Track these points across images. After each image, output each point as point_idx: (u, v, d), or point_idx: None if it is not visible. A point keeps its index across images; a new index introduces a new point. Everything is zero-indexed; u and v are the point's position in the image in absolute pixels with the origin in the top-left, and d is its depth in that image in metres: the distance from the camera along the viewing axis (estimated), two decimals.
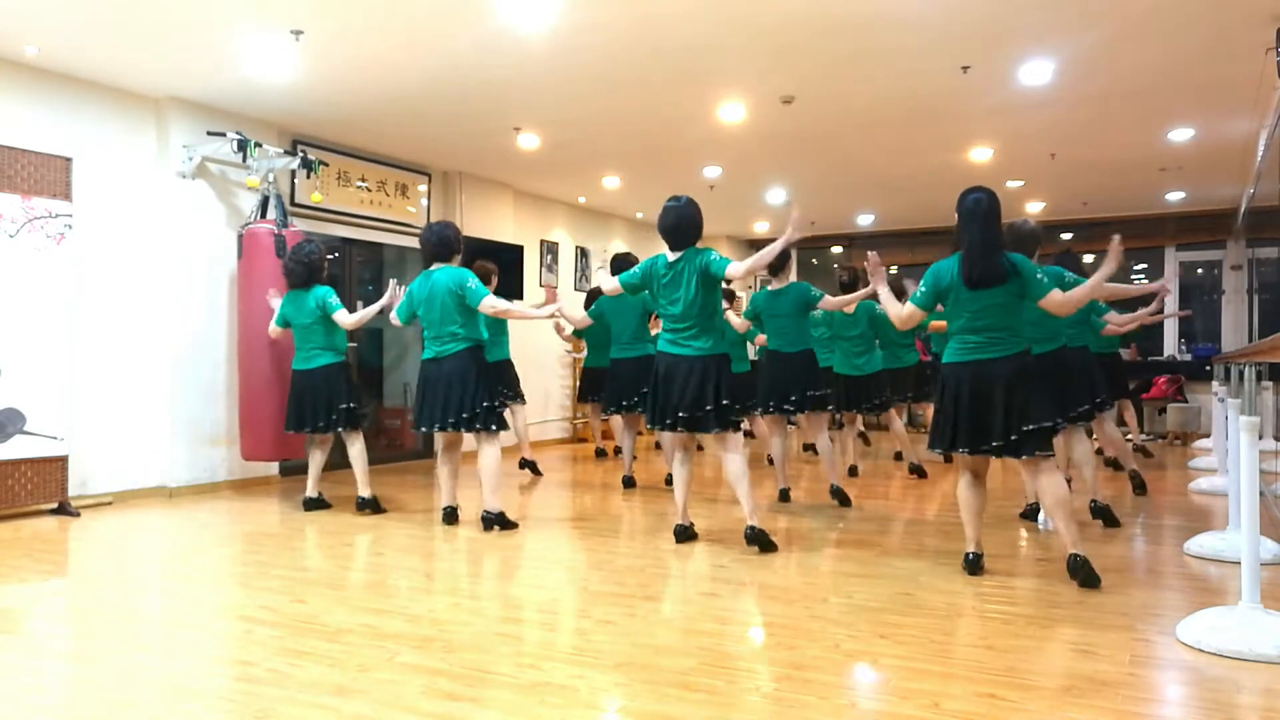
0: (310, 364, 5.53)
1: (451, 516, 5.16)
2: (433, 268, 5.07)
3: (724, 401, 4.42)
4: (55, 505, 5.46)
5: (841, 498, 5.70)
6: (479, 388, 4.96)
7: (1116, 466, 7.07)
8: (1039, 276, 3.88)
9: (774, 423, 5.83)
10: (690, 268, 4.45)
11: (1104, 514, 5.01)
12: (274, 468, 6.85)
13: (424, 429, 5.05)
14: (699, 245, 4.53)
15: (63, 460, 5.46)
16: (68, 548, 4.69)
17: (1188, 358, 10.73)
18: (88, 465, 5.78)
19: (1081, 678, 2.67)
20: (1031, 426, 3.75)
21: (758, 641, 3.09)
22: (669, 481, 6.43)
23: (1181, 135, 7.22)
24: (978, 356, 3.85)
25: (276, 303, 5.70)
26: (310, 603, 3.54)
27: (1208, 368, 9.16)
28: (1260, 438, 3.33)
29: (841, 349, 6.74)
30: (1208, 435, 9.17)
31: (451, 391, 4.96)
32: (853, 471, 7.03)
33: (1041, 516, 5.02)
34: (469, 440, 5.36)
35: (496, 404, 5.07)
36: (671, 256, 4.52)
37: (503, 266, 8.90)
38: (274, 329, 5.72)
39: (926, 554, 4.36)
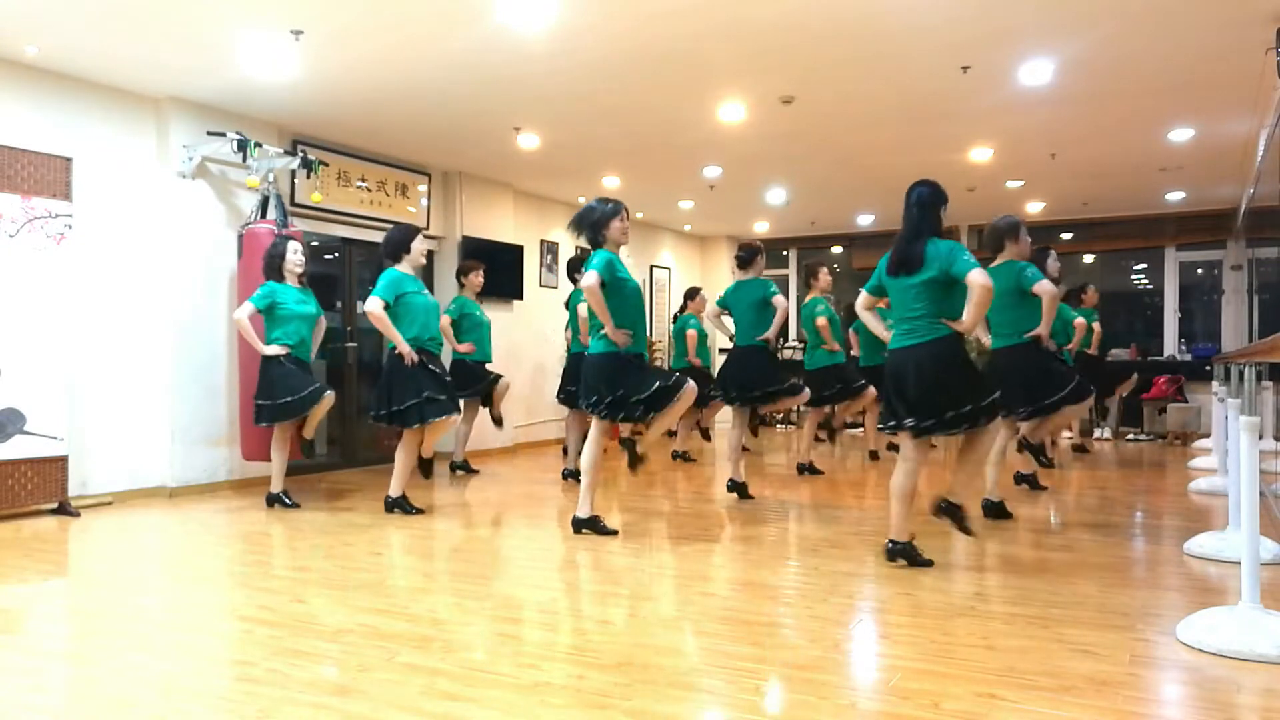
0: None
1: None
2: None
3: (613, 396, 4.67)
4: (55, 505, 5.46)
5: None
6: (395, 387, 5.35)
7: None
8: (964, 257, 3.91)
9: (735, 413, 6.19)
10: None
11: (997, 509, 5.16)
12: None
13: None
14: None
15: (63, 460, 5.46)
16: (68, 548, 4.69)
17: (1188, 358, 10.72)
18: (88, 465, 5.78)
19: (1081, 678, 2.67)
20: (951, 413, 3.91)
21: (758, 641, 3.09)
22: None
23: (1181, 135, 7.21)
24: (901, 344, 4.04)
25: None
26: (310, 603, 3.54)
27: (1208, 368, 9.16)
28: (1260, 438, 3.33)
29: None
30: (1208, 435, 9.17)
31: (381, 387, 5.49)
32: (810, 469, 7.15)
33: None
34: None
35: (413, 403, 5.33)
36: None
37: (503, 266, 8.94)
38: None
39: (926, 554, 4.36)
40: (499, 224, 9.08)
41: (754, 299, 5.94)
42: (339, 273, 7.94)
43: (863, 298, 4.36)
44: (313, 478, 7.11)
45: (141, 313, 6.17)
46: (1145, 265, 11.54)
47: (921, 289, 3.96)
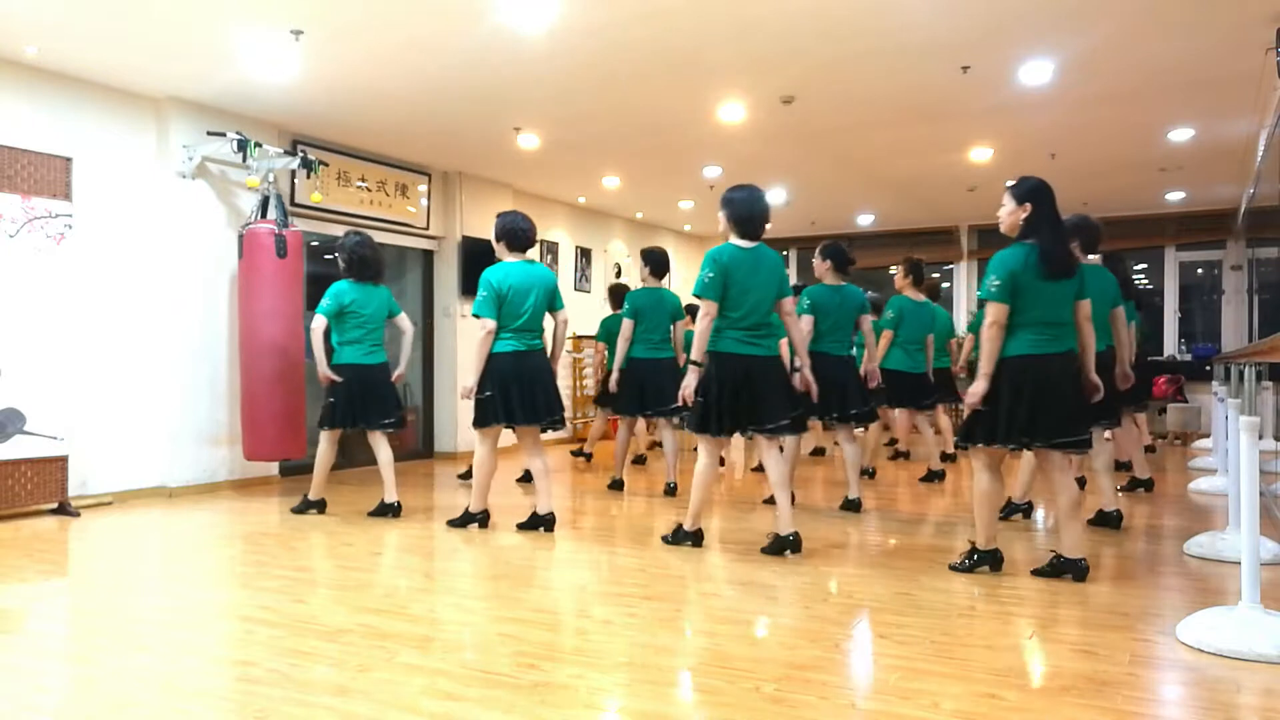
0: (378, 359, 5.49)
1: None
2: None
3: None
4: (55, 505, 5.46)
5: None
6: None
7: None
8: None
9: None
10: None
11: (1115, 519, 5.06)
12: (274, 468, 6.85)
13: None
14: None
15: (63, 460, 5.46)
16: (68, 548, 4.69)
17: (1188, 358, 10.73)
18: (88, 465, 5.78)
19: (1081, 678, 2.68)
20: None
21: (758, 641, 3.09)
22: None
23: (1181, 135, 7.22)
24: (1048, 350, 3.80)
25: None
26: (310, 603, 3.54)
27: (1208, 368, 9.16)
28: (1260, 438, 3.33)
29: None
30: (1208, 435, 9.17)
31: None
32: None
33: None
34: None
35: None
36: None
37: None
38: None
39: (926, 554, 4.36)
40: None
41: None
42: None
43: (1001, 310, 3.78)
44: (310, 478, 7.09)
45: (142, 313, 6.17)
46: (1145, 265, 11.54)
47: (1070, 296, 3.84)
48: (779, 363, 4.37)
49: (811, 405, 4.96)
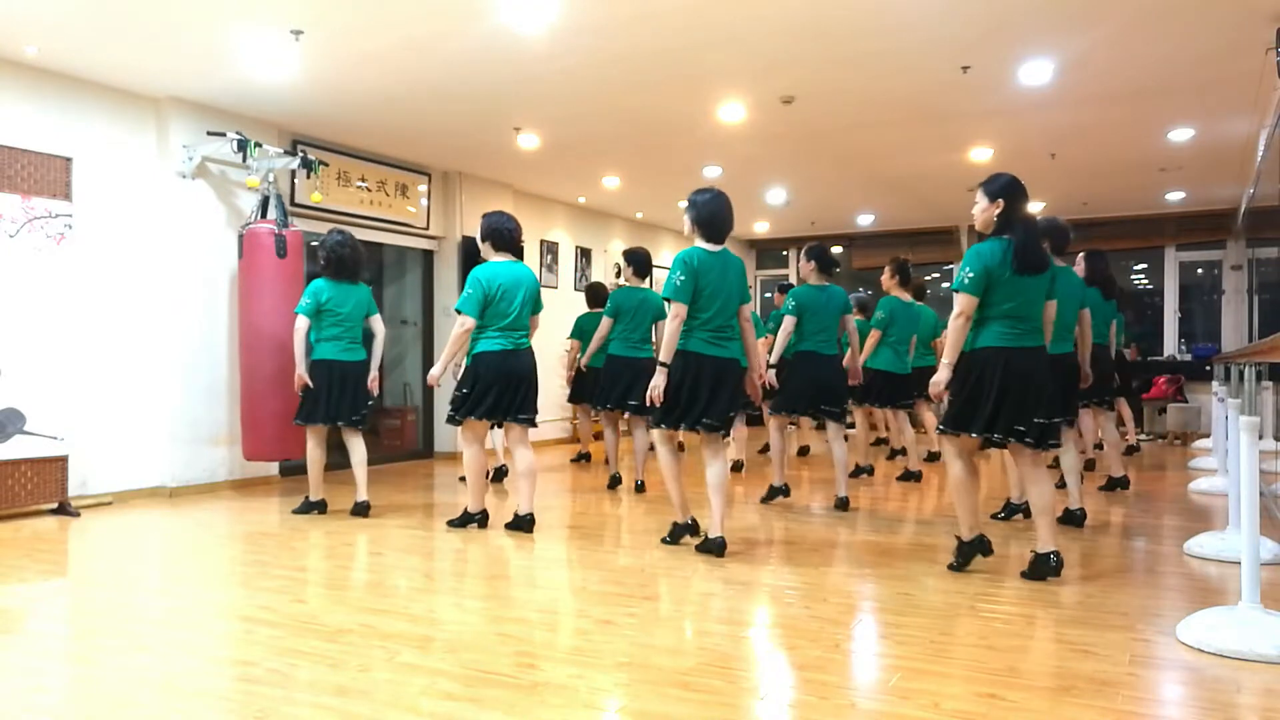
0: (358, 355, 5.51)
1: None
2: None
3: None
4: (55, 505, 5.46)
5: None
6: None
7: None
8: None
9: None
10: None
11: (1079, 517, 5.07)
12: (274, 468, 6.85)
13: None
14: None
15: (63, 460, 5.46)
16: (68, 548, 4.69)
17: (1188, 358, 10.73)
18: (88, 465, 5.78)
19: (1081, 678, 2.67)
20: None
21: (758, 641, 3.08)
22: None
23: (1181, 135, 7.21)
24: (1024, 344, 3.82)
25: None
26: (310, 603, 3.54)
27: (1208, 368, 9.16)
28: (1260, 438, 3.33)
29: None
30: (1208, 435, 9.17)
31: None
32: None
33: None
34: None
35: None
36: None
37: None
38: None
39: (925, 553, 4.36)
40: None
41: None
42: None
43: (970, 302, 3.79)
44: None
45: (142, 313, 6.16)
46: (1145, 265, 11.55)
47: (1042, 292, 3.85)
48: (739, 366, 4.40)
49: (776, 403, 5.22)
